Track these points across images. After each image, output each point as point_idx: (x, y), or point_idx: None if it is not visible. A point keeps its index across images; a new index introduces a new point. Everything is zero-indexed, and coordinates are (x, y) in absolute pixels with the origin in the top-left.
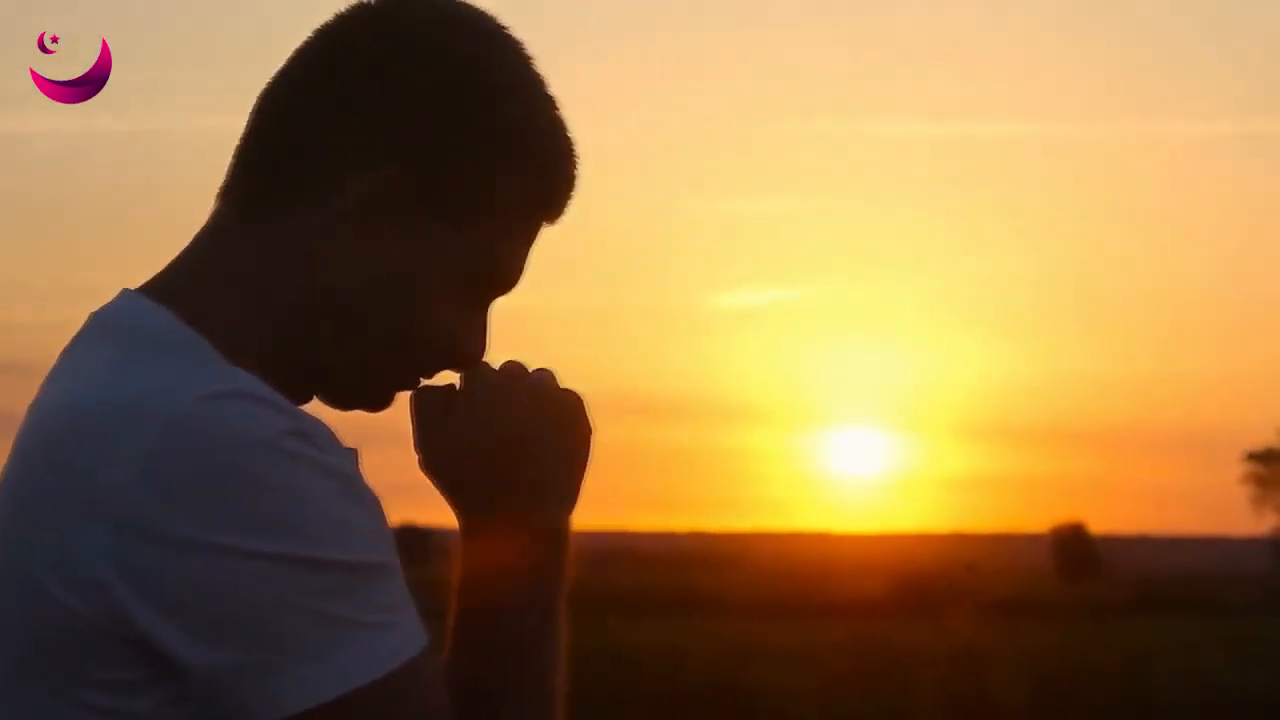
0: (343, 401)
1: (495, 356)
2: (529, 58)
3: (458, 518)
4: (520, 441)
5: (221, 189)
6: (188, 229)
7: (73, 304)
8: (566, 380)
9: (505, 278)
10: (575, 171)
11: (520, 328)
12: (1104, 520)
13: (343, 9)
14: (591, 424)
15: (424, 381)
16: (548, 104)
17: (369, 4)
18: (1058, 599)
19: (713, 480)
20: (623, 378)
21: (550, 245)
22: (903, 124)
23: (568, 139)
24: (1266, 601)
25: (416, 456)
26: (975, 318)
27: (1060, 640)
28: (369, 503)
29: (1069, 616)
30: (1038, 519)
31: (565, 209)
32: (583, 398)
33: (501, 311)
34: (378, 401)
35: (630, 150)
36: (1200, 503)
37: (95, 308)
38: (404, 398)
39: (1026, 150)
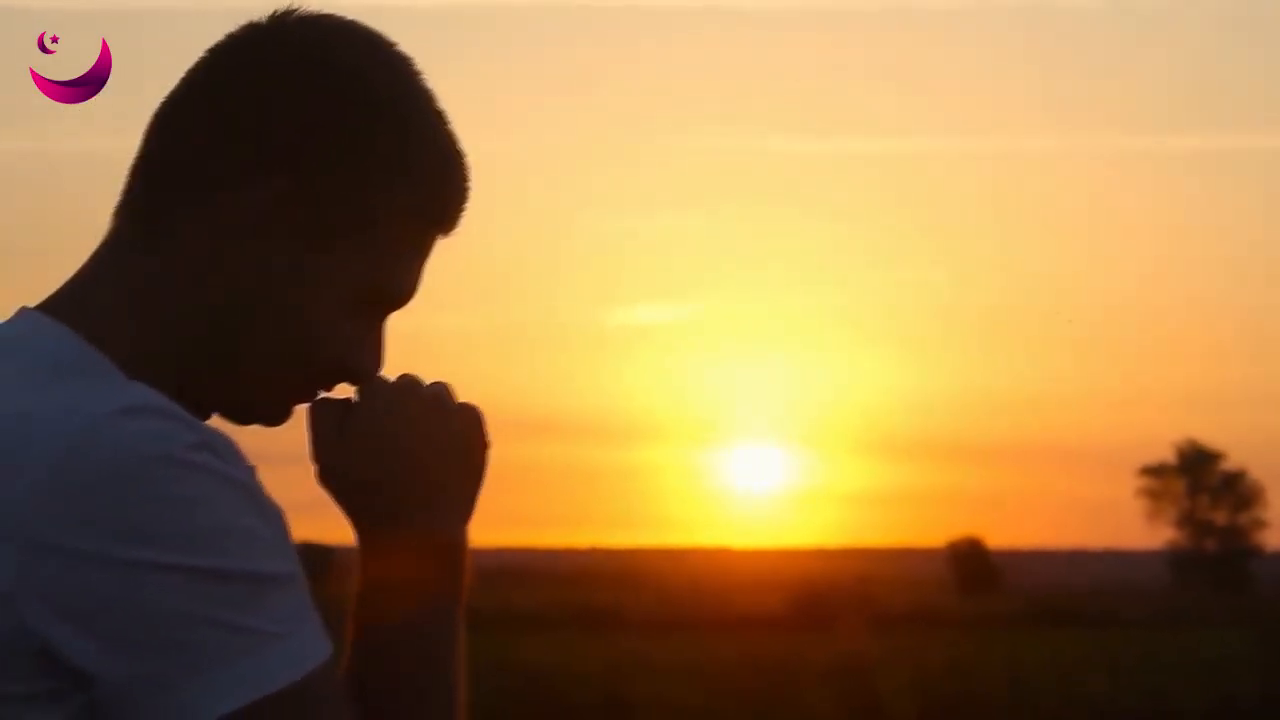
0: (240, 416)
1: (394, 374)
2: (417, 72)
3: (354, 531)
4: (415, 455)
5: (117, 207)
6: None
7: None
8: (461, 398)
9: (397, 291)
10: (466, 185)
11: (415, 346)
12: (1001, 534)
13: (233, 29)
14: (489, 438)
15: (321, 395)
16: (435, 118)
17: (258, 23)
18: (955, 613)
19: (611, 497)
20: (519, 395)
21: (444, 263)
22: (799, 139)
23: (457, 152)
24: (1161, 614)
25: (313, 468)
26: (873, 334)
27: (957, 654)
28: (272, 514)
29: (966, 630)
30: (936, 534)
31: (457, 222)
32: (480, 411)
33: (397, 330)
34: (275, 415)
35: (524, 166)
36: (1096, 517)
37: None
38: (302, 411)
39: (925, 165)
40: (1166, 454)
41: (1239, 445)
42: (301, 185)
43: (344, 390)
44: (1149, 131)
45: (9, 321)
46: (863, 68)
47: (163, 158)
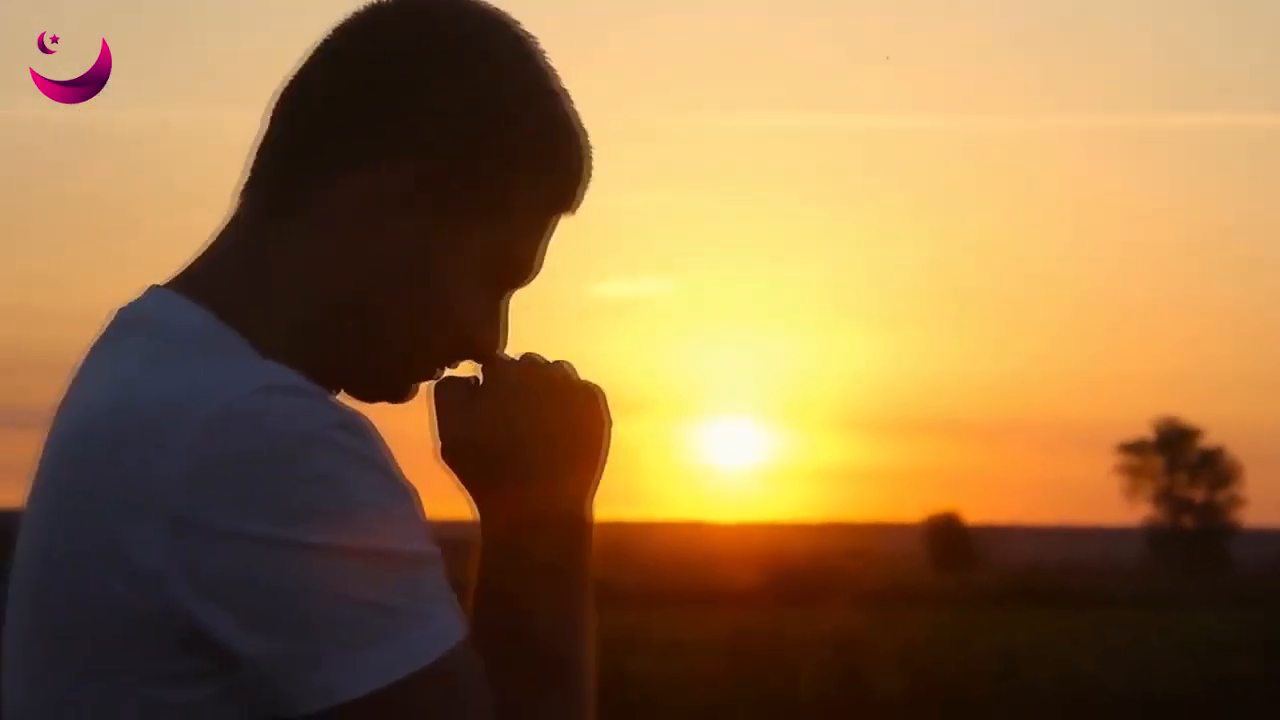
0: (366, 393)
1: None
2: (541, 51)
3: (477, 509)
4: (543, 432)
5: (243, 186)
6: (200, 225)
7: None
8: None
9: (523, 270)
10: (589, 164)
11: None
12: (977, 510)
13: (358, 8)
14: (610, 416)
15: (445, 373)
16: (561, 97)
17: (383, 3)
18: (932, 589)
19: None
20: None
21: None
22: (781, 115)
23: (581, 132)
24: (1137, 592)
25: (436, 445)
26: (853, 310)
27: (934, 630)
28: (409, 494)
29: (943, 606)
30: (912, 509)
31: (580, 201)
32: (601, 391)
33: None
34: (400, 393)
35: None
36: (1073, 493)
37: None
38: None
39: (906, 143)
40: (1145, 431)
41: (1217, 423)
42: (434, 166)
43: (466, 369)
44: (1129, 111)
45: (140, 300)
46: (843, 44)
47: (291, 138)
